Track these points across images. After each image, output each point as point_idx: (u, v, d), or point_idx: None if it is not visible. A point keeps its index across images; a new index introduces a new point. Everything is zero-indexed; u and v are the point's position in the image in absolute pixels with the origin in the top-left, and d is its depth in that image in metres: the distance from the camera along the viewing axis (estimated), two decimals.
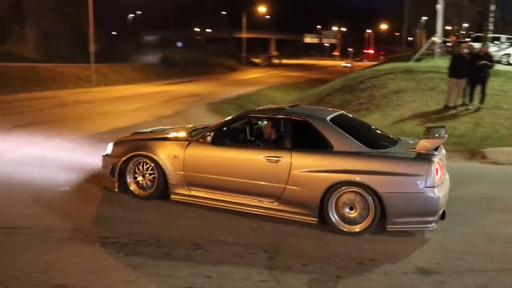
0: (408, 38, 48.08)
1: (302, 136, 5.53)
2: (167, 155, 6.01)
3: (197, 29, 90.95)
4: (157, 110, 15.50)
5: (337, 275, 4.20)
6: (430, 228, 5.03)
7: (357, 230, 5.14)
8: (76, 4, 49.43)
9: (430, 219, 5.01)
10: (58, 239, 4.66)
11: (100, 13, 30.88)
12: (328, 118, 5.63)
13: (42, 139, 9.79)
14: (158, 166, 6.01)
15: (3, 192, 6.14)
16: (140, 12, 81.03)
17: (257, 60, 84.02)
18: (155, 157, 6.01)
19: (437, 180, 4.97)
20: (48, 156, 8.26)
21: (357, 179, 5.06)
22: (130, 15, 75.43)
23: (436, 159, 5.04)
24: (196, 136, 6.00)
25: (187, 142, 5.99)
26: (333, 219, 5.21)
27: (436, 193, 4.95)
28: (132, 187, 6.21)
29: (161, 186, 6.06)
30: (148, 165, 6.09)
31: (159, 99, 20.13)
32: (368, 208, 5.10)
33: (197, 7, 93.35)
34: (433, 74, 17.86)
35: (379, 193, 5.00)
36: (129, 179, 6.23)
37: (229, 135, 6.02)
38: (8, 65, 28.76)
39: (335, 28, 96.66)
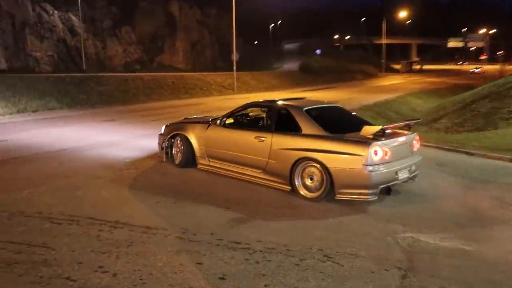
0: None
1: (283, 121, 6.96)
2: (195, 134, 8.03)
3: (336, 37, 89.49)
4: None
5: None
6: (369, 199, 6.08)
7: (314, 196, 6.35)
8: (220, 16, 51.84)
9: (368, 191, 6.06)
10: (192, 242, 4.76)
11: (243, 23, 32.25)
12: (305, 108, 6.95)
13: None
14: (187, 142, 8.09)
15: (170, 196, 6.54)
16: (281, 21, 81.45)
17: (396, 66, 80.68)
18: (187, 135, 8.09)
19: (374, 160, 5.99)
20: None
21: (313, 156, 6.32)
22: (271, 24, 75.54)
23: (378, 143, 6.06)
24: (214, 120, 7.86)
25: (207, 125, 7.87)
26: (296, 185, 6.51)
27: (371, 170, 5.96)
28: (176, 157, 8.32)
29: (190, 158, 8.07)
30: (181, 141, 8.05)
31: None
32: (323, 180, 6.27)
33: (336, 15, 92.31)
34: None
35: (329, 167, 6.18)
36: (174, 151, 8.39)
37: (235, 119, 7.84)
38: (160, 74, 31.08)
39: (482, 31, 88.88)
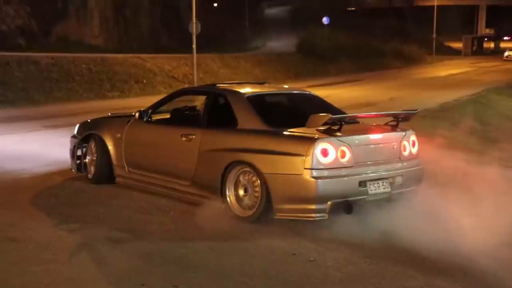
0: None
1: (218, 113, 7.69)
2: (111, 134, 8.73)
3: None
4: None
5: None
6: (315, 218, 6.43)
7: (247, 215, 6.87)
8: None
9: (312, 207, 6.38)
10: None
11: None
12: (248, 95, 7.63)
13: None
14: (102, 146, 8.94)
15: None
16: None
17: (455, 45, 77.98)
18: (102, 137, 8.96)
19: (322, 163, 6.38)
20: None
21: (245, 158, 6.88)
22: None
23: (329, 140, 6.49)
24: (137, 114, 8.55)
25: (128, 120, 8.68)
26: (228, 199, 7.07)
27: (316, 177, 6.34)
28: (90, 169, 9.14)
29: (106, 169, 8.78)
30: None
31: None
32: (258, 191, 6.80)
33: None
34: None
35: (263, 173, 6.66)
36: (88, 159, 9.18)
37: (166, 112, 8.73)
38: (67, 56, 30.88)
39: None
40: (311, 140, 6.40)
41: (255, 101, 7.50)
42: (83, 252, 6.09)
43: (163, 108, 9.09)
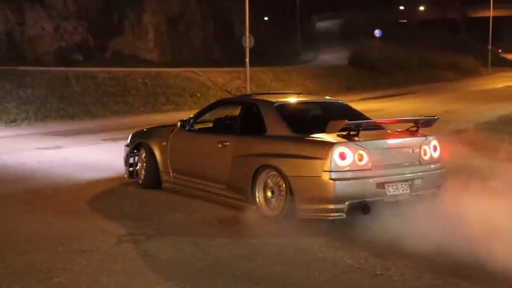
0: None
1: (250, 121, 8.26)
2: (158, 142, 9.50)
3: (401, 8, 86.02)
4: None
5: None
6: (333, 217, 6.93)
7: (275, 214, 7.45)
8: None
9: (331, 206, 6.88)
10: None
11: None
12: (277, 104, 8.20)
13: None
14: (150, 154, 9.73)
15: None
16: None
17: (511, 57, 76.05)
18: (150, 145, 9.78)
19: (340, 166, 6.87)
20: None
21: (272, 162, 7.49)
22: None
23: (346, 144, 6.99)
24: (180, 123, 9.29)
25: (172, 129, 9.42)
26: (257, 201, 7.68)
27: (334, 178, 6.84)
28: (140, 175, 9.99)
29: (154, 175, 9.57)
30: None
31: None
32: (283, 192, 7.35)
33: None
34: None
35: (287, 176, 7.22)
36: (139, 167, 10.04)
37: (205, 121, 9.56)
38: (123, 71, 31.40)
39: None
40: (330, 145, 6.92)
41: (284, 109, 8.08)
42: (150, 264, 6.14)
43: (207, 117, 9.71)
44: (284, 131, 7.66)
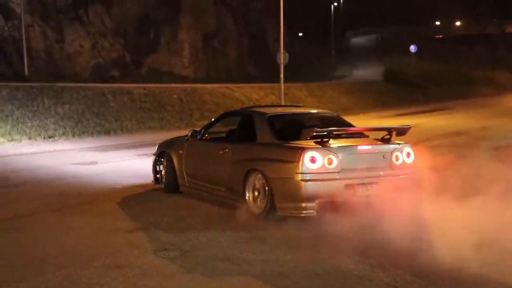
0: None
1: (245, 131, 9.28)
2: (175, 150, 10.61)
3: (437, 23, 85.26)
4: None
5: None
6: (304, 215, 7.89)
7: (259, 212, 8.40)
8: None
9: (302, 205, 7.85)
10: None
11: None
12: (269, 115, 9.22)
13: None
14: (170, 161, 10.85)
15: None
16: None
17: None
18: (170, 153, 10.84)
19: (310, 168, 7.81)
20: None
21: (257, 166, 8.52)
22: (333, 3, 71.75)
23: (317, 149, 7.91)
24: (192, 133, 10.42)
25: (187, 139, 10.52)
26: (246, 200, 8.66)
27: (304, 179, 7.81)
28: (163, 180, 11.11)
29: (172, 180, 10.62)
30: None
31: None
32: (265, 192, 8.33)
33: None
34: None
35: (268, 177, 8.23)
36: (163, 173, 11.06)
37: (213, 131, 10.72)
38: (159, 87, 32.08)
39: None
40: (302, 150, 7.87)
41: (274, 120, 9.03)
42: (186, 281, 6.11)
43: (222, 128, 11.19)
44: (271, 139, 8.68)
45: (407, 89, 45.76)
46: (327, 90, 40.18)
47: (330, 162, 7.76)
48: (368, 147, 8.33)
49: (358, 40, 76.35)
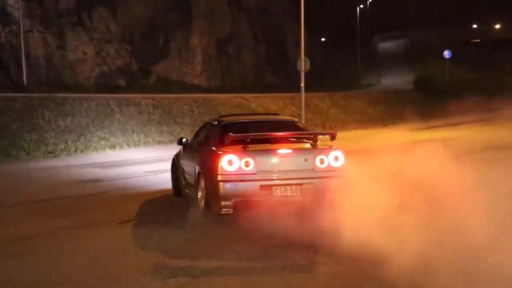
0: None
1: (209, 136, 10.93)
2: (178, 157, 12.64)
3: (474, 26, 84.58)
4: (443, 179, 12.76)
5: None
6: (222, 212, 9.24)
7: (201, 208, 10.13)
8: None
9: (221, 203, 9.20)
10: None
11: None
12: (225, 122, 10.81)
13: None
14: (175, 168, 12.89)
15: None
16: (370, 1, 77.59)
17: None
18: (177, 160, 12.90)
19: (227, 170, 9.19)
20: None
21: (201, 168, 10.21)
22: (359, 6, 71.80)
23: (233, 153, 9.25)
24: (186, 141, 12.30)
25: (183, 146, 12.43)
26: (198, 198, 10.29)
27: (221, 180, 9.20)
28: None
29: (177, 185, 12.56)
30: None
31: (437, 154, 16.09)
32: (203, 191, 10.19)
33: None
34: None
35: (202, 178, 9.95)
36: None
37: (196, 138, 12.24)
38: (168, 97, 32.85)
39: None
40: (220, 153, 9.35)
41: (228, 127, 10.30)
42: None
43: None
44: (216, 144, 10.02)
45: (441, 99, 45.11)
46: (352, 100, 40.27)
47: (247, 165, 9.08)
48: (288, 150, 9.41)
49: (386, 45, 76.51)
